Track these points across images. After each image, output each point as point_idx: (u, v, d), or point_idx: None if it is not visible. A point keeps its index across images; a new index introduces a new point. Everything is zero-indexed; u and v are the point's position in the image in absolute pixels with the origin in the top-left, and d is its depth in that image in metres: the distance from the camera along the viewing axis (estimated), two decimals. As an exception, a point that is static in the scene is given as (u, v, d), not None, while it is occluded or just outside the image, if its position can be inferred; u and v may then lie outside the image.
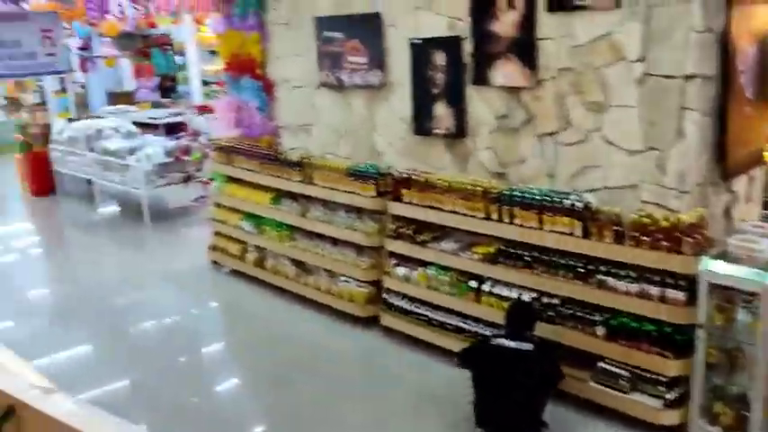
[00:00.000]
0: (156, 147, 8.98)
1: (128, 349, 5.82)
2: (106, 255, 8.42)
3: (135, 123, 10.33)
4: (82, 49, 12.21)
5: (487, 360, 4.03)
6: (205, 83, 15.56)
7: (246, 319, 6.36)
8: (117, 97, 15.54)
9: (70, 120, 10.72)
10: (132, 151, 8.98)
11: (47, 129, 10.91)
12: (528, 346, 3.90)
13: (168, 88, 15.96)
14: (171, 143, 9.07)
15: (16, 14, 5.71)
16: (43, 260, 8.77)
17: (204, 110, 12.40)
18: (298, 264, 6.35)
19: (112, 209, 10.26)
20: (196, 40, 14.41)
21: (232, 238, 7.06)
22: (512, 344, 3.91)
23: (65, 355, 5.61)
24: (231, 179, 7.05)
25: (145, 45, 14.88)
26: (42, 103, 10.99)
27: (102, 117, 11.53)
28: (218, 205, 7.25)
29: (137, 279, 7.34)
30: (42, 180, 10.86)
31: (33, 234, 9.91)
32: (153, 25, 14.04)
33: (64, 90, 10.90)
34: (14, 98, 11.41)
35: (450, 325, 5.05)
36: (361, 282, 5.73)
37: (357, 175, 5.66)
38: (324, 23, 5.98)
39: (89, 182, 10.97)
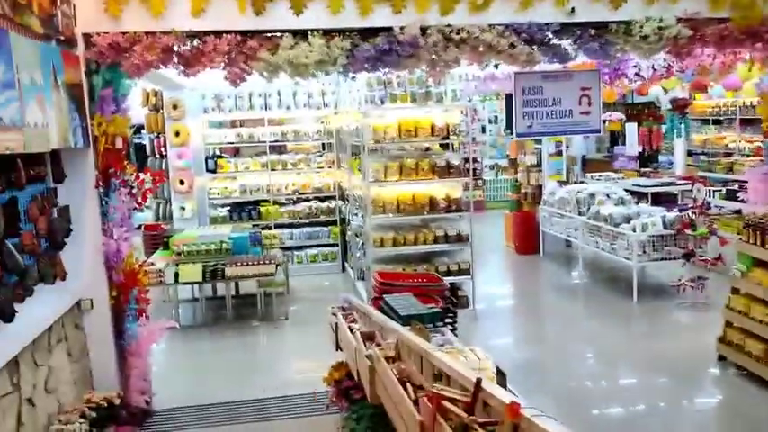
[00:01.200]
0: (656, 217, 8.29)
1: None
2: (580, 324, 8.06)
3: (628, 191, 9.87)
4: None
5: None
6: (690, 153, 14.44)
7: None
8: (592, 163, 15.49)
9: (561, 182, 10.90)
10: (628, 219, 8.50)
11: (538, 189, 11.34)
12: None
13: (648, 157, 15.25)
14: (671, 214, 8.27)
15: (562, 73, 5.78)
16: (516, 317, 8.81)
17: (691, 181, 11.26)
18: None
19: (586, 274, 9.93)
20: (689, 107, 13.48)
21: (753, 335, 5.86)
22: None
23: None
24: (761, 263, 5.88)
25: (646, 110, 14.63)
26: (538, 165, 11.47)
27: (586, 182, 11.49)
28: (738, 292, 6.14)
29: (611, 356, 6.78)
30: (528, 239, 11.25)
31: (512, 289, 10.26)
32: (643, 92, 13.62)
33: (559, 153, 11.17)
34: (514, 159, 12.21)
35: None
36: None
37: None
38: None
39: (568, 244, 10.95)
